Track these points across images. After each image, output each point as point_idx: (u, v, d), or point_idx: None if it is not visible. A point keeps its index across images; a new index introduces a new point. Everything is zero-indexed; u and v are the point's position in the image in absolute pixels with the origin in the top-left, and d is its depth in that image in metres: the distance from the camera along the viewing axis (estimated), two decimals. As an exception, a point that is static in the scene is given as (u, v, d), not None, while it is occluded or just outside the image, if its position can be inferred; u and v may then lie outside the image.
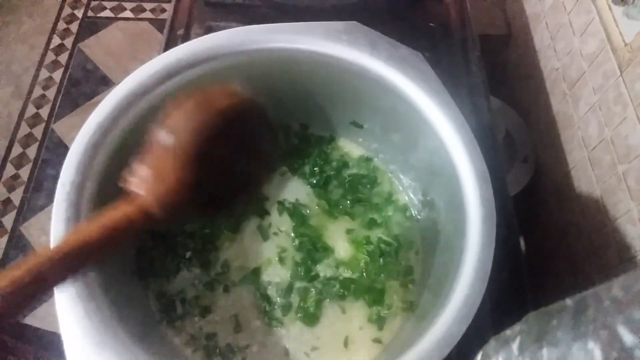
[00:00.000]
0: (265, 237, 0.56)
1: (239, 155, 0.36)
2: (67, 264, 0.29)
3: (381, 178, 0.60)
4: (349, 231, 0.57)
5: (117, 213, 0.31)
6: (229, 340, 0.51)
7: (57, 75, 1.61)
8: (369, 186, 0.59)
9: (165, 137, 0.32)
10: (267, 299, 0.53)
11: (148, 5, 1.75)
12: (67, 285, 0.37)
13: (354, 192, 0.59)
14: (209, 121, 0.33)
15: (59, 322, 0.38)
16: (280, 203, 0.58)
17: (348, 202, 0.58)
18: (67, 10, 1.75)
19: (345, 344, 0.51)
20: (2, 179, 1.40)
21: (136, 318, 0.45)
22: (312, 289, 0.53)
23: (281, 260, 0.55)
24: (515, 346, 0.28)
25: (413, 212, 0.58)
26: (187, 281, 0.53)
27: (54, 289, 0.31)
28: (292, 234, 0.56)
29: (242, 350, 0.50)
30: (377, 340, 0.51)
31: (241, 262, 0.55)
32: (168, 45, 0.72)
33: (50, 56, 1.65)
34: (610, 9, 0.68)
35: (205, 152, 0.32)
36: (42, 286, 0.28)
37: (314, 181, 0.59)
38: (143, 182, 0.32)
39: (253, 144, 0.37)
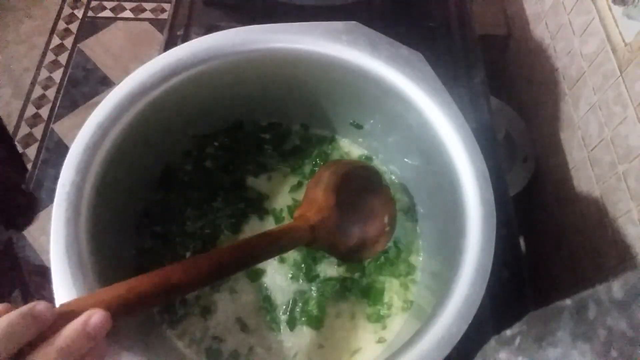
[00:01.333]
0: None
1: (365, 198, 0.51)
2: (263, 247, 0.42)
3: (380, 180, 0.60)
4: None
5: (291, 224, 0.47)
6: (233, 342, 0.51)
7: (57, 75, 1.61)
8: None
9: (312, 182, 0.51)
10: (268, 300, 0.53)
11: (148, 5, 1.75)
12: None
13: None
14: (340, 169, 0.51)
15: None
16: (280, 202, 0.58)
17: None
18: (67, 10, 1.75)
19: (349, 344, 0.51)
20: (2, 179, 1.39)
21: (137, 321, 0.45)
22: (314, 290, 0.53)
23: (281, 259, 0.55)
24: (515, 346, 0.28)
25: (413, 212, 0.58)
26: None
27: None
28: (292, 234, 0.56)
29: (247, 353, 0.50)
30: (379, 340, 0.51)
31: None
32: (168, 45, 0.72)
33: (50, 56, 1.65)
34: (610, 9, 0.68)
35: (341, 187, 0.49)
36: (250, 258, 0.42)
37: (314, 181, 0.59)
38: (302, 206, 0.49)
39: (371, 203, 0.52)
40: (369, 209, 0.51)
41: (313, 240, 0.45)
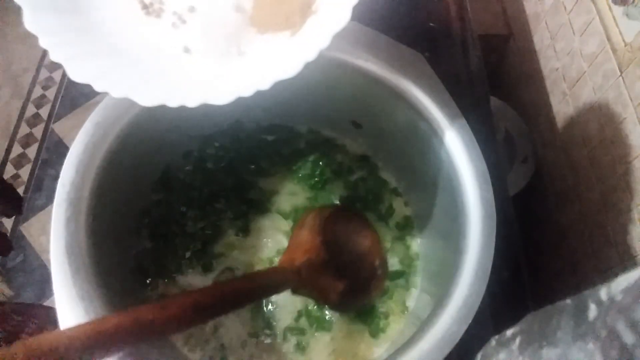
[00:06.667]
0: (265, 237, 0.56)
1: (350, 249, 0.48)
2: (243, 294, 0.38)
3: (380, 179, 0.60)
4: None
5: (276, 267, 0.46)
6: (237, 345, 0.51)
7: (57, 75, 1.61)
8: (369, 187, 0.59)
9: (297, 226, 0.48)
10: (270, 300, 0.53)
11: (148, 5, 1.75)
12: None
13: (353, 192, 0.59)
14: (323, 213, 0.48)
15: (59, 322, 0.38)
16: (280, 203, 0.58)
17: (348, 203, 0.58)
18: (67, 10, 1.75)
19: (349, 343, 0.51)
20: (2, 179, 1.39)
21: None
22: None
23: (281, 260, 0.55)
24: (515, 346, 0.28)
25: (412, 213, 0.58)
26: (188, 282, 0.53)
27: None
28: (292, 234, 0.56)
29: (252, 357, 0.50)
30: (379, 340, 0.51)
31: (242, 262, 0.55)
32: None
33: (50, 56, 1.65)
34: (610, 9, 0.68)
35: (326, 227, 0.46)
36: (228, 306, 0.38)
37: (313, 182, 0.59)
38: (287, 251, 0.46)
39: (359, 245, 0.49)
40: (357, 252, 0.48)
41: (300, 285, 0.42)
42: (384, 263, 0.49)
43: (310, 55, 0.35)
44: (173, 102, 0.34)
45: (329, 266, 0.44)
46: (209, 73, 0.38)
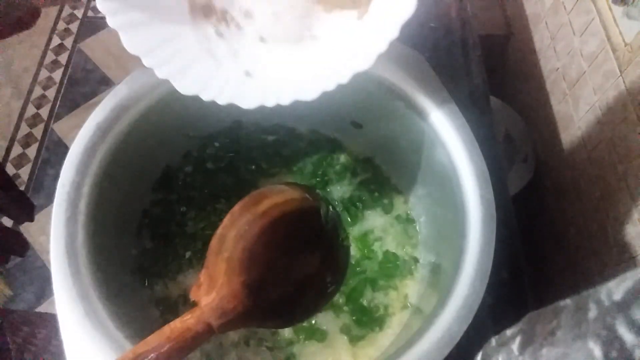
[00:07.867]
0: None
1: (296, 261, 0.35)
2: None
3: (381, 178, 0.60)
4: (350, 232, 0.57)
5: (180, 324, 0.31)
6: (233, 345, 0.51)
7: (57, 75, 1.61)
8: (369, 187, 0.59)
9: (214, 243, 0.33)
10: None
11: (148, 5, 1.75)
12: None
13: (356, 193, 0.59)
14: (253, 223, 0.33)
15: (59, 322, 0.38)
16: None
17: (348, 203, 0.58)
18: (67, 10, 1.75)
19: (348, 342, 0.51)
20: (2, 179, 1.39)
21: (137, 322, 0.45)
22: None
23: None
24: (515, 346, 0.28)
25: (413, 212, 0.58)
26: (188, 282, 0.53)
27: None
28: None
29: (253, 357, 0.50)
30: (378, 340, 0.51)
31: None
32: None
33: (50, 56, 1.65)
34: (610, 9, 0.68)
35: (255, 254, 0.32)
36: None
37: (315, 182, 0.59)
38: (199, 291, 0.32)
39: (310, 249, 0.36)
40: (300, 272, 0.35)
41: (218, 332, 0.31)
42: (339, 273, 0.37)
43: (382, 47, 0.35)
44: (269, 102, 0.35)
45: (255, 309, 0.32)
46: (289, 65, 0.39)
